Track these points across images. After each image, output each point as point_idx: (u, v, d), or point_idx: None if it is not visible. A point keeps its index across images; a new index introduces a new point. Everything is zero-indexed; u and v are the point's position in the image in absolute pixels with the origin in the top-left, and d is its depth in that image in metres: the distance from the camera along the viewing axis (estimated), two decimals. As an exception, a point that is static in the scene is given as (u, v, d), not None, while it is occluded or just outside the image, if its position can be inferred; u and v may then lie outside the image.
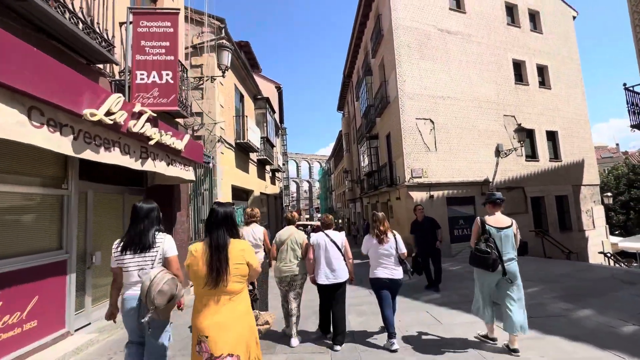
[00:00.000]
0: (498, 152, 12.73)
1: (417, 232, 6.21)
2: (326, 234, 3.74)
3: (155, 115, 4.11)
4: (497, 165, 12.65)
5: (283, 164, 24.26)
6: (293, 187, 62.06)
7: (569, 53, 15.53)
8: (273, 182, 19.26)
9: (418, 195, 11.02)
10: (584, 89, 15.63)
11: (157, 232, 2.42)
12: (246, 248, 2.11)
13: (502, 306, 3.28)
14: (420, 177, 11.16)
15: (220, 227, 2.06)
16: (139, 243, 2.31)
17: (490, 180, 12.35)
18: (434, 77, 12.02)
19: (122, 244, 2.33)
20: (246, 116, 11.57)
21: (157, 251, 2.34)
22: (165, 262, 2.38)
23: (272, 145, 16.30)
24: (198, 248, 2.03)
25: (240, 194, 12.57)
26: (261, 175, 15.61)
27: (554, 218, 13.55)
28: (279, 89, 22.78)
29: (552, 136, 14.42)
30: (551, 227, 13.32)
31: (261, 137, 14.58)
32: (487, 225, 3.26)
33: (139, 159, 3.96)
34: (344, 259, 3.68)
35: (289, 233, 3.91)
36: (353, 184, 24.22)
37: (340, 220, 39.28)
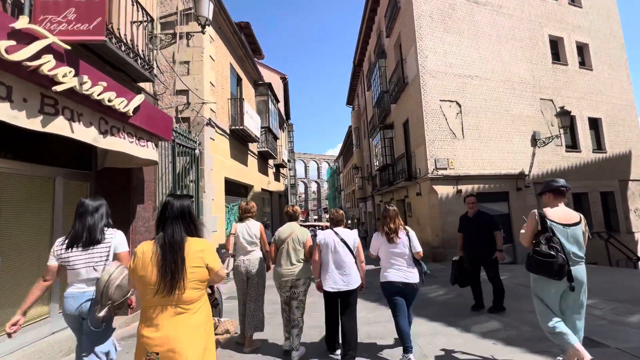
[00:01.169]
0: (535, 141, 10.97)
1: (467, 231, 4.55)
2: (335, 232, 3.18)
3: (68, 47, 2.63)
4: (534, 156, 10.89)
5: (289, 160, 22.80)
6: (301, 188, 61.03)
7: (612, 30, 13.62)
8: (277, 179, 17.80)
9: (443, 190, 9.37)
10: (629, 71, 13.69)
11: (106, 228, 2.30)
12: (206, 248, 1.75)
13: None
14: (446, 168, 9.51)
15: (175, 222, 1.71)
16: (86, 238, 2.17)
17: (526, 173, 10.60)
18: (460, 54, 10.35)
19: (67, 240, 2.18)
20: (243, 99, 10.11)
21: (108, 247, 2.23)
22: (115, 259, 2.25)
23: (276, 137, 14.83)
24: (146, 249, 1.67)
25: (237, 189, 11.11)
26: (263, 170, 14.15)
27: (599, 218, 11.68)
28: (284, 79, 21.34)
29: (594, 124, 12.55)
30: (596, 228, 11.44)
31: (262, 127, 13.13)
32: (548, 221, 2.56)
33: (37, 115, 2.49)
34: (356, 262, 3.15)
35: (290, 230, 3.43)
36: (363, 181, 22.58)
37: (349, 221, 37.71)
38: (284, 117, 20.97)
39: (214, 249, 1.83)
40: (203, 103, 7.88)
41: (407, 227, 3.22)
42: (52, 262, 2.16)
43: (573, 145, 11.94)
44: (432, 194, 9.31)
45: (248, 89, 12.36)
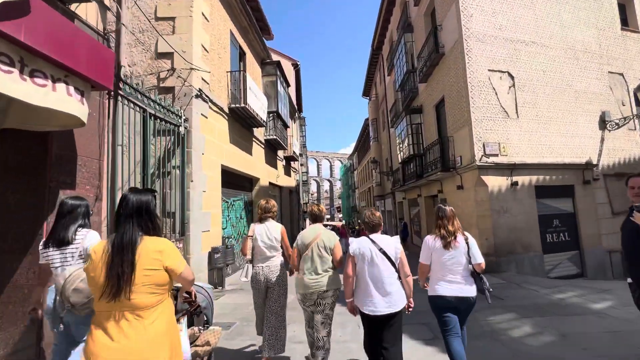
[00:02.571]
0: (603, 123, 8.84)
1: (635, 239, 2.58)
2: (372, 240, 2.50)
3: None
4: (603, 142, 8.77)
5: (301, 155, 21.09)
6: (313, 187, 59.80)
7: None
8: (288, 173, 16.11)
9: (494, 182, 7.42)
10: None
11: (80, 228, 2.23)
12: (165, 248, 1.55)
13: None
14: (497, 154, 7.55)
15: (129, 219, 1.55)
16: (59, 238, 2.15)
17: (594, 162, 8.49)
18: (511, 13, 8.34)
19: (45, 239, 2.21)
20: (245, 72, 8.42)
21: (76, 247, 2.16)
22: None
23: (286, 125, 13.13)
24: (98, 249, 1.52)
25: (239, 181, 9.44)
26: (271, 162, 12.47)
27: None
28: (295, 66, 19.62)
29: (673, 104, 10.24)
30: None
31: (270, 112, 11.44)
32: None
33: None
34: (399, 277, 2.47)
35: (315, 234, 2.90)
36: (382, 176, 20.64)
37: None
38: (295, 107, 19.26)
39: (175, 250, 1.60)
40: (192, 69, 6.22)
41: (466, 233, 2.62)
42: (41, 261, 2.19)
43: (647, 129, 9.70)
44: (481, 186, 7.38)
45: (253, 67, 10.68)
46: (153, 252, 1.50)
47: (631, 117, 8.89)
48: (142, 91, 4.63)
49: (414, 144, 11.63)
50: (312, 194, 51.05)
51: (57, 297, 2.01)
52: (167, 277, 1.53)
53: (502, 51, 8.07)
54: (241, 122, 8.92)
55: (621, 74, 9.44)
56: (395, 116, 15.35)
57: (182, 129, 5.80)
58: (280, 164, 14.29)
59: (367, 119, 28.25)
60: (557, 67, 8.61)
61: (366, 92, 26.60)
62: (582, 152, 8.44)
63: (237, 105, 8.03)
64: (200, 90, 6.38)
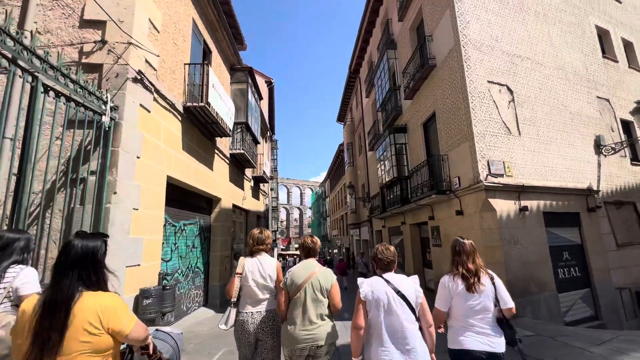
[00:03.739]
0: (598, 148, 8.31)
1: None
2: (387, 281, 2.07)
3: None
4: (600, 167, 8.18)
5: (271, 178, 19.44)
6: (282, 215, 57.86)
7: (650, 32, 11.78)
8: (256, 196, 14.34)
9: (503, 206, 6.31)
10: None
11: (15, 264, 1.93)
12: (107, 307, 1.30)
13: None
14: (502, 174, 6.52)
15: (68, 272, 1.30)
16: None
17: (594, 188, 7.79)
18: (506, 27, 7.81)
19: None
20: (208, 64, 6.93)
21: (4, 287, 1.83)
22: (19, 302, 1.80)
23: (256, 141, 11.62)
24: (28, 308, 1.27)
25: (193, 200, 7.61)
26: (237, 181, 10.75)
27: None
28: (269, 84, 18.55)
29: (653, 133, 10.18)
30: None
31: (238, 123, 9.93)
32: None
33: None
34: (420, 328, 2.03)
35: (309, 272, 2.44)
36: (358, 203, 19.42)
37: (335, 251, 33.96)
38: (267, 125, 17.92)
39: (121, 306, 1.35)
40: (130, 44, 4.63)
41: (490, 272, 2.25)
42: None
43: (634, 157, 9.40)
44: (487, 211, 6.22)
45: (220, 71, 9.27)
46: (92, 313, 1.26)
47: (627, 141, 8.47)
48: (29, 46, 2.97)
49: (398, 165, 10.56)
50: (281, 222, 48.82)
51: None
52: (111, 342, 1.30)
53: (499, 63, 7.37)
54: (200, 127, 7.29)
55: (607, 100, 9.19)
56: (375, 138, 14.45)
57: (105, 118, 4.09)
58: (248, 184, 12.56)
59: (341, 144, 27.53)
60: (551, 86, 8.09)
61: (341, 117, 26.04)
62: (582, 177, 7.74)
63: (194, 104, 6.45)
64: (140, 73, 4.77)
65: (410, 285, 2.07)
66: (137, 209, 4.65)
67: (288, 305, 2.41)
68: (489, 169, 6.40)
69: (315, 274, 2.42)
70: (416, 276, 2.20)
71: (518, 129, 7.13)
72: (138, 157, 4.73)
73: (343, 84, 20.55)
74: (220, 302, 8.33)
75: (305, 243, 2.68)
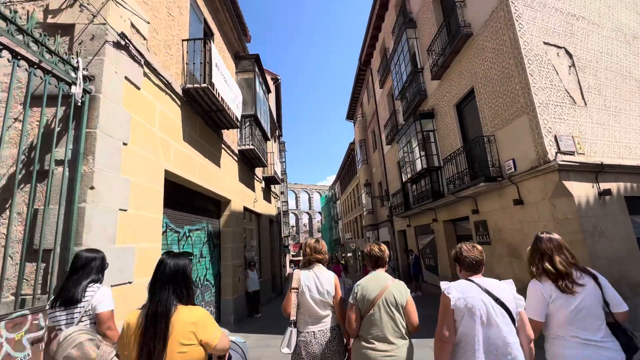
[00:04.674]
0: (670, 120, 7.02)
1: None
2: (483, 288, 1.78)
3: None
4: (674, 143, 6.88)
5: (282, 180, 18.39)
6: (292, 220, 57.02)
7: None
8: (268, 199, 13.27)
9: (580, 191, 5.09)
10: None
11: (92, 283, 2.01)
12: (199, 320, 1.42)
13: None
14: (573, 152, 5.30)
15: (165, 287, 1.43)
16: (65, 296, 1.93)
17: (673, 167, 6.49)
18: (555, -18, 6.61)
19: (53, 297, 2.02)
20: (210, 40, 5.90)
21: (82, 306, 1.92)
22: (96, 320, 1.95)
23: (266, 137, 10.59)
24: (131, 320, 1.40)
25: (199, 202, 6.56)
26: (247, 181, 9.70)
27: None
28: (276, 81, 17.58)
29: None
30: None
31: (246, 116, 8.91)
32: None
33: None
34: (519, 340, 1.74)
35: (381, 286, 2.18)
36: (375, 202, 18.21)
37: (350, 254, 32.60)
38: (276, 123, 16.92)
39: (210, 320, 1.47)
40: (107, 0, 3.61)
41: (590, 269, 1.92)
42: (48, 322, 2.06)
43: None
44: (561, 197, 5.00)
45: (224, 58, 8.25)
46: (187, 325, 1.38)
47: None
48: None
49: (427, 155, 9.38)
50: (292, 227, 47.83)
51: None
52: (203, 353, 1.41)
53: (554, 22, 6.20)
54: (203, 116, 6.25)
55: (671, 66, 7.89)
56: (393, 130, 13.31)
57: (75, 89, 3.05)
58: (259, 185, 11.50)
59: (351, 143, 26.44)
60: (612, 50, 6.87)
61: (351, 115, 24.97)
62: (658, 154, 6.45)
63: (195, 85, 5.41)
64: (124, 37, 3.73)
65: (508, 291, 1.80)
66: (125, 210, 3.58)
67: (359, 323, 2.17)
68: (558, 146, 5.19)
69: (388, 288, 2.16)
70: (511, 280, 1.88)
71: (583, 99, 5.92)
72: (125, 144, 3.68)
73: (349, 83, 19.60)
74: (235, 318, 7.21)
75: (373, 252, 2.36)
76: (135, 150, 3.91)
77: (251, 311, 8.48)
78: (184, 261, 1.54)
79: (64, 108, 3.14)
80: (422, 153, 9.47)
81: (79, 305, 1.90)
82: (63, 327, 1.88)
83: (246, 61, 9.40)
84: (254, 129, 9.17)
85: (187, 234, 5.90)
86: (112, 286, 3.24)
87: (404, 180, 11.34)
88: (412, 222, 12.41)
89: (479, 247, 1.92)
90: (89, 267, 2.03)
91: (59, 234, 2.92)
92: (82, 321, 1.90)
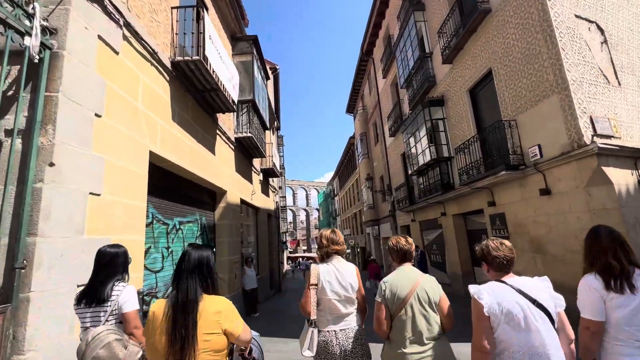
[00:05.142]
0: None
1: None
2: (516, 289, 1.62)
3: None
4: None
5: (280, 172, 17.78)
6: (289, 217, 56.65)
7: None
8: (266, 192, 12.67)
9: (620, 178, 4.53)
10: None
11: (117, 282, 1.96)
12: (224, 309, 1.44)
13: None
14: (610, 135, 4.75)
15: (191, 277, 1.45)
16: (92, 295, 1.89)
17: None
18: (584, -48, 6.03)
19: (78, 294, 1.95)
20: (202, 7, 5.26)
21: (109, 305, 1.88)
22: (122, 319, 1.91)
23: (265, 126, 9.96)
24: (157, 310, 1.41)
25: (192, 191, 5.95)
26: (244, 171, 9.09)
27: None
28: (274, 71, 16.88)
29: None
30: None
31: (244, 101, 8.28)
32: None
33: None
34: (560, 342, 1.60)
35: (412, 282, 1.99)
36: (376, 197, 17.67)
37: (348, 251, 32.14)
38: (275, 114, 16.27)
39: (234, 310, 1.48)
40: (77, -62, 2.98)
41: None
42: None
43: None
44: (599, 185, 4.46)
45: (219, 35, 7.59)
46: (213, 314, 1.40)
47: None
48: None
49: (436, 145, 8.82)
50: (289, 223, 47.36)
51: None
52: (226, 342, 1.42)
53: (584, -6, 5.62)
54: (196, 95, 5.62)
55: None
56: (397, 121, 12.73)
57: (31, 41, 2.43)
58: (257, 177, 10.89)
59: (351, 137, 25.86)
60: (642, 28, 6.31)
61: (351, 108, 24.36)
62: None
63: (186, 58, 4.77)
64: (97, -15, 3.10)
65: (544, 290, 1.64)
66: (98, 194, 2.97)
67: (389, 322, 1.98)
68: (594, 128, 4.64)
69: (419, 284, 1.97)
70: (546, 277, 1.70)
71: (617, 78, 5.37)
72: (98, 115, 3.06)
73: (346, 78, 18.99)
74: (231, 319, 6.63)
75: (399, 244, 2.14)
76: (113, 125, 3.29)
77: (249, 310, 7.90)
78: (207, 252, 1.56)
79: (18, 67, 2.53)
80: (432, 142, 8.91)
81: (105, 305, 1.87)
82: (87, 324, 1.86)
83: (244, 43, 8.75)
84: (251, 115, 8.54)
85: (178, 227, 5.29)
86: (78, 286, 2.65)
87: (409, 172, 10.79)
88: (417, 217, 11.88)
89: (507, 242, 1.73)
90: (114, 264, 1.98)
91: (7, 221, 2.31)
92: (108, 320, 1.87)
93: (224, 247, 6.97)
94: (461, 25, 7.36)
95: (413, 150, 10.20)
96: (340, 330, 2.12)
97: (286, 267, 33.21)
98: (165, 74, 4.59)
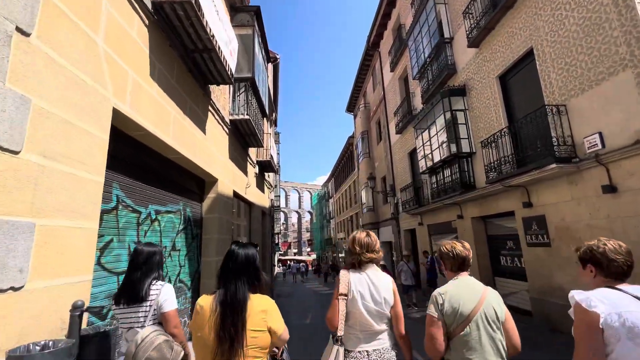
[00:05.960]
0: None
1: None
2: (635, 296, 1.28)
3: None
4: None
5: (276, 169, 16.69)
6: (281, 218, 55.60)
7: None
8: (261, 187, 11.57)
9: None
10: None
11: (154, 281, 1.96)
12: (269, 308, 1.49)
13: None
14: (699, 121, 3.83)
15: (239, 276, 1.48)
16: (130, 293, 1.88)
17: None
18: None
19: (115, 293, 1.97)
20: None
21: (150, 305, 1.87)
22: (161, 319, 1.90)
23: (264, 112, 8.92)
24: (205, 305, 1.45)
25: (174, 174, 4.83)
26: (239, 160, 8.00)
27: None
28: (274, 60, 15.86)
29: None
30: None
31: (241, 79, 7.24)
32: None
33: None
34: None
35: (478, 294, 1.69)
36: (376, 198, 16.71)
37: (342, 255, 31.08)
38: (273, 105, 15.23)
39: (277, 309, 1.53)
40: None
41: None
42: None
43: None
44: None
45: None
46: (259, 312, 1.43)
47: None
48: None
49: (457, 138, 7.89)
50: (282, 223, 46.18)
51: None
52: (269, 340, 1.45)
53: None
54: (183, 56, 4.55)
55: None
56: (406, 117, 11.82)
57: None
58: (252, 170, 9.80)
59: (351, 137, 24.95)
60: None
61: (351, 107, 23.46)
62: None
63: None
64: None
65: None
66: (15, 152, 1.89)
67: (447, 344, 1.67)
68: (683, 110, 3.72)
69: (486, 298, 1.67)
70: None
71: (693, 57, 4.48)
72: (23, 32, 1.98)
73: (345, 79, 18.24)
74: (217, 332, 5.51)
75: (455, 250, 1.80)
76: (49, 53, 2.21)
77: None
78: (253, 251, 1.58)
79: None
80: (451, 136, 7.97)
81: (144, 304, 1.85)
82: (125, 323, 1.85)
83: (244, 14, 7.71)
84: (250, 96, 7.49)
85: (154, 217, 4.18)
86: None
87: (421, 170, 9.85)
88: (426, 220, 10.92)
89: (624, 244, 1.39)
90: (151, 262, 1.97)
91: None
92: (150, 319, 1.85)
93: (212, 245, 5.87)
94: (494, 1, 6.47)
95: (427, 146, 9.27)
96: (374, 350, 1.85)
97: (277, 270, 31.94)
98: (143, 15, 3.52)
